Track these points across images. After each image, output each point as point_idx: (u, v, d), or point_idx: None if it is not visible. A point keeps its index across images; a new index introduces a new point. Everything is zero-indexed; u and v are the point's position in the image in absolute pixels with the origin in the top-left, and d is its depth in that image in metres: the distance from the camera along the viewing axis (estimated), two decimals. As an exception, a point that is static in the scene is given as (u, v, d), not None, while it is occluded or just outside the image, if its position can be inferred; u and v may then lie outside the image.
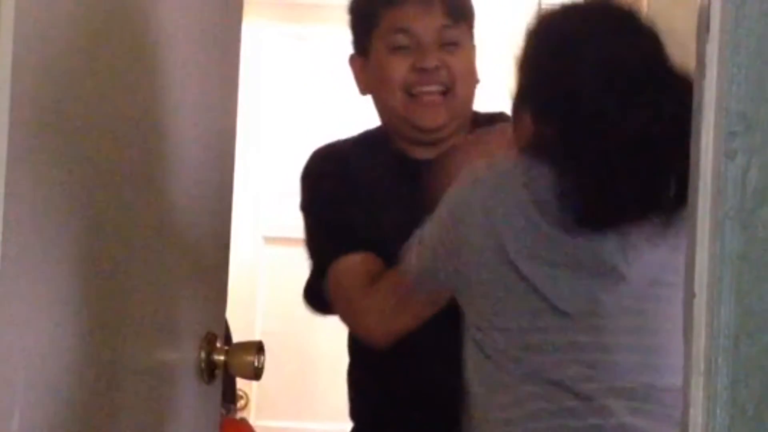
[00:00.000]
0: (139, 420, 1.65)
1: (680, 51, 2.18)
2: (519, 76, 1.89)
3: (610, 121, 1.74)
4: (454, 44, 2.26)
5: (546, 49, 1.86)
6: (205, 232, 1.90)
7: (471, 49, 2.31)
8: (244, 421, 3.73)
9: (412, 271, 1.94)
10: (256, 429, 3.70)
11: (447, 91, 2.23)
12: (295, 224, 5.43)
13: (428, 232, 1.89)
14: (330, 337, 4.91)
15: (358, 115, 5.61)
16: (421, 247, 1.90)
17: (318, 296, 2.28)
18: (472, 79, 2.30)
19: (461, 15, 2.29)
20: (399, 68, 2.24)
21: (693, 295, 1.22)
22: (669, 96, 1.72)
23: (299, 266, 5.92)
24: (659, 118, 1.72)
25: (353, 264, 2.18)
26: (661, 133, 1.71)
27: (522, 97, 1.87)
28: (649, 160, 1.73)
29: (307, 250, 2.35)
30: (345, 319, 2.26)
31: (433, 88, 2.23)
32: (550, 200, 1.75)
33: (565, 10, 1.93)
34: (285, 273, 5.44)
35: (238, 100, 2.04)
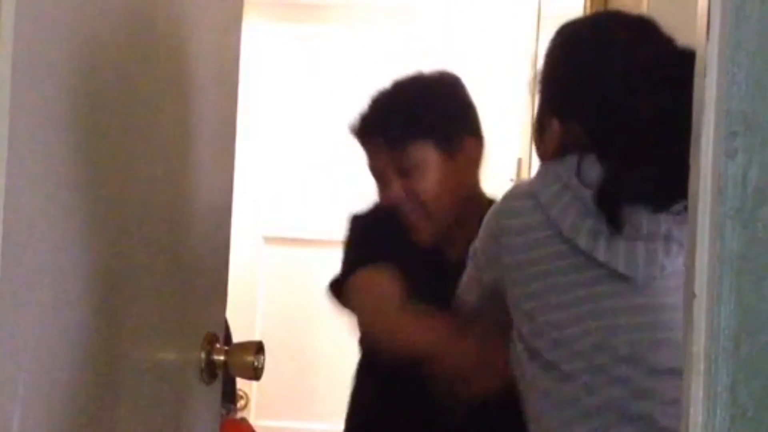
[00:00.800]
0: (139, 420, 1.65)
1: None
2: (544, 88, 1.98)
3: (632, 111, 1.84)
4: (414, 166, 2.34)
5: (570, 54, 1.96)
6: (205, 232, 1.90)
7: (439, 160, 2.36)
8: (244, 421, 3.73)
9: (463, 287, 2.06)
10: (256, 429, 3.70)
11: (424, 207, 2.35)
12: (295, 224, 5.39)
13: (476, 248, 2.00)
14: (329, 338, 4.91)
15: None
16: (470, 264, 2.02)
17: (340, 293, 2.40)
18: (446, 188, 2.36)
19: (417, 135, 2.35)
20: (381, 194, 2.41)
21: (693, 295, 1.22)
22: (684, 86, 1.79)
23: (299, 266, 5.90)
24: (677, 104, 1.69)
25: (376, 275, 2.28)
26: (679, 117, 1.76)
27: (549, 106, 1.96)
28: (669, 142, 1.78)
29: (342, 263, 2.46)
30: (374, 328, 2.35)
31: (409, 208, 2.35)
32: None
33: (583, 22, 2.03)
34: (285, 273, 5.45)
35: (238, 100, 2.04)
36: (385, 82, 2.50)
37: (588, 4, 3.16)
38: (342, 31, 5.31)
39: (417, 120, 2.37)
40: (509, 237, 1.89)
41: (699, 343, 1.21)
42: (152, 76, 1.65)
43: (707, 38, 1.22)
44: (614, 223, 1.84)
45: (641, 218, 1.86)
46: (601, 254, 1.84)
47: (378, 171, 2.38)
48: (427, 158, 2.34)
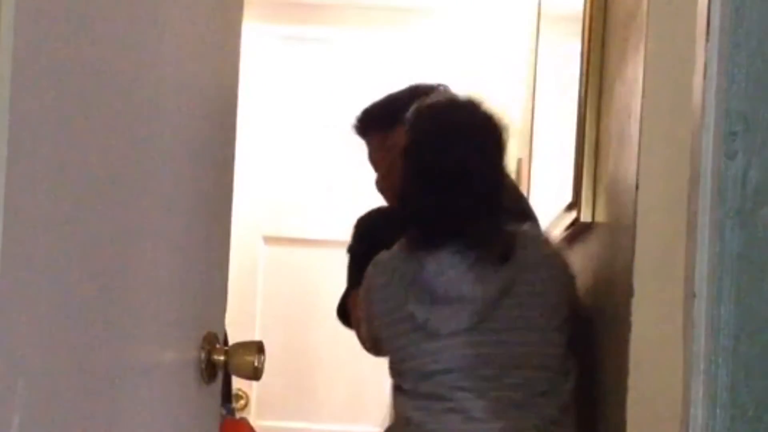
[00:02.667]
0: (139, 420, 1.65)
1: (680, 51, 2.17)
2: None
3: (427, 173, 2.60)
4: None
5: (413, 138, 2.67)
6: (205, 232, 1.90)
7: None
8: (244, 421, 3.73)
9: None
10: (256, 429, 3.70)
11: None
12: (295, 224, 5.40)
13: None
14: (329, 338, 4.91)
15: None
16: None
17: (345, 314, 3.03)
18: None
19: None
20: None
21: (693, 295, 1.22)
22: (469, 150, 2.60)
23: (299, 266, 5.90)
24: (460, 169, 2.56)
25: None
26: (457, 177, 2.56)
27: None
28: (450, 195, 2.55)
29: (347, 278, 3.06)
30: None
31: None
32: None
33: (428, 106, 2.73)
34: (285, 273, 5.45)
35: (238, 100, 2.04)
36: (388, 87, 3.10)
37: (588, 3, 3.15)
38: (341, 33, 5.31)
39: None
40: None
41: (699, 343, 1.21)
42: (153, 77, 1.65)
43: (707, 38, 1.22)
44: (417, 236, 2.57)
45: (452, 283, 2.51)
46: (421, 317, 2.54)
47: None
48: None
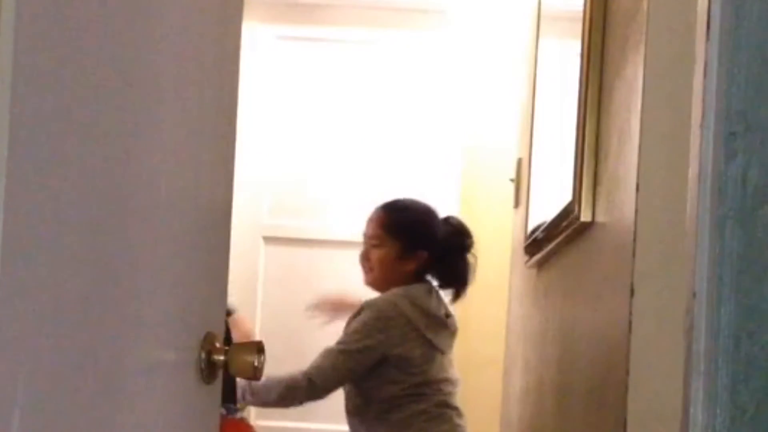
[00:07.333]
0: (139, 420, 1.65)
1: (680, 51, 2.18)
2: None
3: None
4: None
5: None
6: (205, 232, 1.90)
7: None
8: (244, 421, 3.73)
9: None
10: (256, 429, 3.70)
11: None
12: (295, 224, 5.38)
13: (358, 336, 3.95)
14: (329, 338, 4.91)
15: (356, 116, 5.58)
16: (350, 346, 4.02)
17: None
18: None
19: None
20: None
21: (693, 295, 1.22)
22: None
23: (299, 266, 5.89)
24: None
25: None
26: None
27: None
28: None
29: None
30: None
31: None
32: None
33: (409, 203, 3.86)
34: (285, 273, 5.45)
35: (238, 100, 2.04)
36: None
37: (588, 3, 3.15)
38: (341, 32, 5.31)
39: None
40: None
41: (699, 343, 1.21)
42: (153, 77, 1.65)
43: (707, 38, 1.22)
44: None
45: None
46: (435, 341, 3.77)
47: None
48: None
